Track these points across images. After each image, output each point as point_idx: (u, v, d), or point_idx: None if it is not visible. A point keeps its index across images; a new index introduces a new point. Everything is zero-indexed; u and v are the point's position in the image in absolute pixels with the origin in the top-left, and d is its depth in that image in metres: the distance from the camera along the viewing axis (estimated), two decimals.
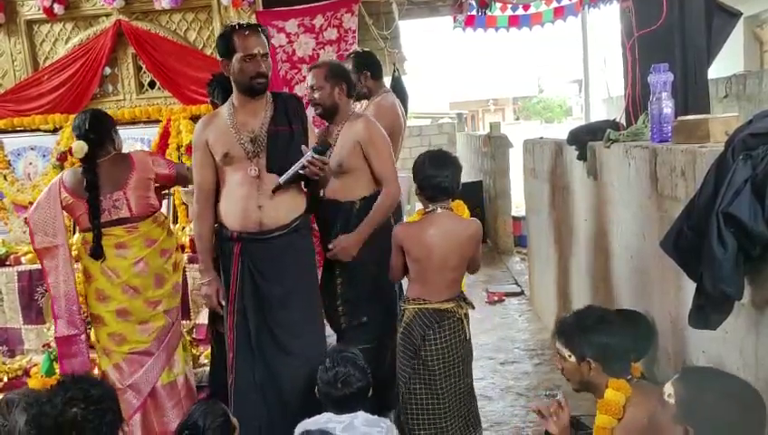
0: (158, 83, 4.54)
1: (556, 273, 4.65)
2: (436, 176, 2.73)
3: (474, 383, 2.95)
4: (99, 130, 3.15)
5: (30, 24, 4.55)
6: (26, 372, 3.86)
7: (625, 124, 3.47)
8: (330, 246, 3.13)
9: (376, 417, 2.43)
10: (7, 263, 4.17)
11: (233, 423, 2.31)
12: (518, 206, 8.18)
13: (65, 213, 3.23)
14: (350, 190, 3.13)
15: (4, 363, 3.94)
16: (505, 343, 4.74)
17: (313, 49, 4.54)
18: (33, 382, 3.70)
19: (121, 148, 3.28)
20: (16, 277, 4.11)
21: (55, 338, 3.28)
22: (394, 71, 4.96)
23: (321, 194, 3.11)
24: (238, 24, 2.84)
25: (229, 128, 2.82)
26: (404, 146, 4.33)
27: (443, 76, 25.45)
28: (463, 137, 12.51)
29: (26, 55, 4.57)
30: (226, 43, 2.77)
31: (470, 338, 2.86)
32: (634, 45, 3.35)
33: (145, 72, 4.57)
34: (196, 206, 3.00)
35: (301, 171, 2.75)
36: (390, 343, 3.02)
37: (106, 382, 1.81)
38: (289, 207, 2.85)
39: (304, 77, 4.56)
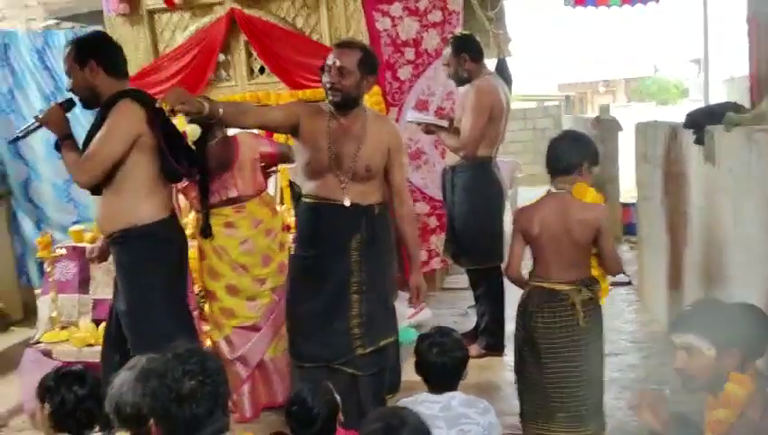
0: (267, 69, 4.69)
1: (668, 263, 4.44)
2: (553, 148, 2.73)
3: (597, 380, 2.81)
4: None
5: (151, 13, 4.81)
6: None
7: (749, 106, 3.24)
8: (411, 299, 2.96)
9: (473, 397, 2.42)
10: None
11: (337, 401, 2.37)
12: (628, 192, 7.86)
13: (181, 196, 3.43)
14: (370, 195, 2.81)
15: None
16: (611, 334, 4.56)
17: (417, 32, 4.54)
18: None
19: (227, 131, 3.42)
20: None
21: None
22: (499, 52, 4.88)
23: (346, 202, 2.75)
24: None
25: None
26: (507, 129, 4.25)
27: (550, 57, 24.72)
28: (570, 120, 12.11)
29: (148, 43, 4.83)
30: None
31: (591, 326, 2.74)
32: (760, 21, 3.12)
33: (255, 59, 4.73)
34: None
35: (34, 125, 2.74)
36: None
37: (215, 355, 1.91)
38: (107, 216, 2.76)
39: (408, 60, 4.58)
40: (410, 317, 4.57)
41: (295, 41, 4.48)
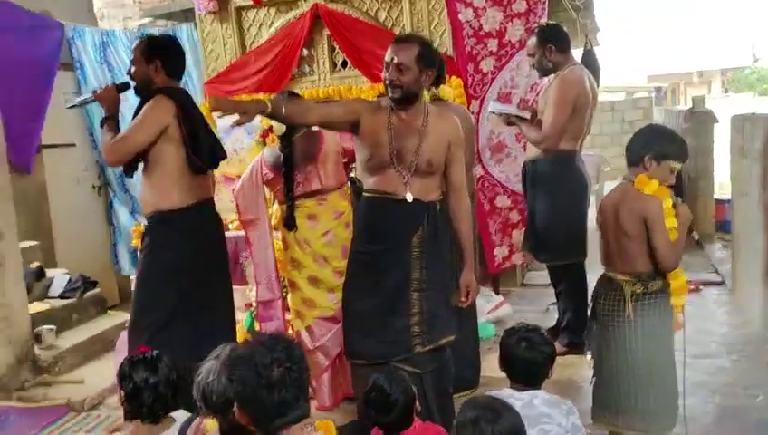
0: (349, 63, 4.74)
1: (764, 263, 4.20)
2: (629, 140, 2.79)
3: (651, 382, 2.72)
4: None
5: (239, 10, 4.95)
6: None
7: None
8: (462, 299, 2.87)
9: (557, 397, 2.38)
10: None
11: (413, 391, 2.38)
12: (722, 188, 7.48)
13: (266, 188, 3.53)
14: (432, 190, 2.78)
15: None
16: (700, 336, 4.37)
17: (501, 23, 4.46)
18: (238, 336, 4.09)
19: None
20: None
21: (256, 301, 3.62)
22: (586, 42, 4.74)
23: (409, 197, 2.72)
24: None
25: None
26: (593, 122, 4.13)
27: (640, 47, 23.76)
28: (661, 112, 11.62)
29: (235, 39, 4.98)
30: None
31: (645, 322, 2.68)
32: None
33: (338, 53, 4.78)
34: None
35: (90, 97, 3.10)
36: None
37: (296, 342, 1.95)
38: (143, 200, 3.11)
39: (491, 51, 4.51)
40: (489, 313, 4.53)
41: (377, 34, 4.50)
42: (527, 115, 4.00)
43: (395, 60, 2.67)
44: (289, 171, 3.39)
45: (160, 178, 3.00)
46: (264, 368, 1.66)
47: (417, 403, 2.38)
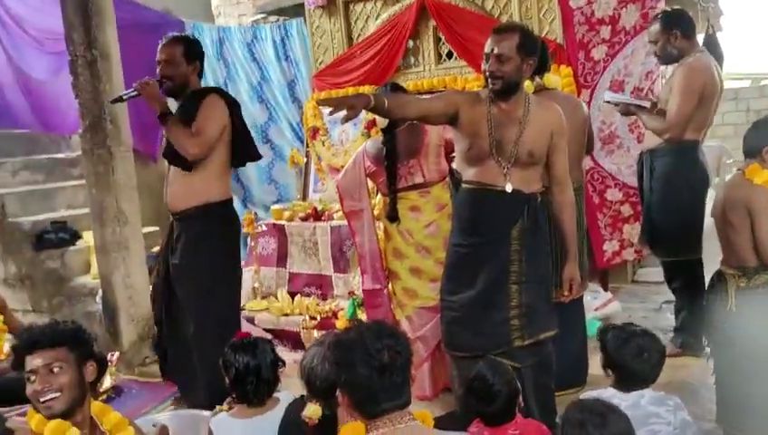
0: (454, 54, 4.70)
1: None
2: (749, 131, 2.71)
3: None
4: None
5: (347, 4, 5.04)
6: (335, 315, 4.38)
7: None
8: (565, 293, 2.84)
9: (663, 394, 2.26)
10: (323, 218, 4.76)
11: (517, 384, 2.35)
12: None
13: (368, 179, 3.57)
14: (533, 182, 2.73)
15: (318, 305, 4.52)
16: None
17: (614, 9, 4.27)
18: (340, 323, 4.19)
19: None
20: (329, 231, 4.64)
21: (362, 290, 3.70)
22: (708, 27, 4.45)
23: (508, 188, 2.69)
24: None
25: None
26: (716, 111, 3.88)
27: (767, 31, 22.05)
28: None
29: (343, 33, 5.07)
30: None
31: (747, 320, 2.54)
32: None
33: (443, 44, 4.76)
34: None
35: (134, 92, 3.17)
36: None
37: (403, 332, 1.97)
38: (184, 195, 3.26)
39: (603, 39, 4.33)
40: (597, 309, 4.38)
41: (484, 24, 4.43)
42: (647, 104, 3.81)
43: (495, 50, 2.63)
44: (391, 165, 3.40)
45: (211, 172, 3.24)
46: (377, 352, 1.69)
47: (521, 398, 2.35)
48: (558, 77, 3.93)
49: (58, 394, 2.02)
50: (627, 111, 3.87)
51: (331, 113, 3.07)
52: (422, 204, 3.42)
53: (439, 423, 2.10)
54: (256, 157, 3.51)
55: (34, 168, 5.84)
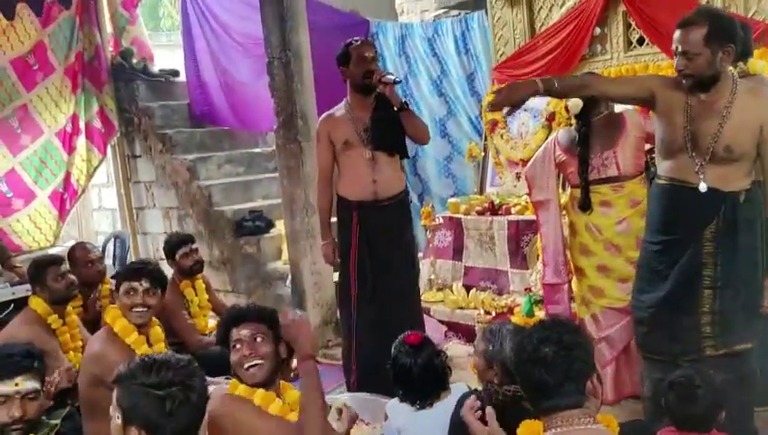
0: (646, 40, 4.42)
1: None
2: None
3: None
4: None
5: None
6: (510, 310, 4.32)
7: None
8: (764, 304, 2.54)
9: None
10: (500, 212, 4.71)
11: (723, 397, 2.20)
12: None
13: (558, 170, 3.47)
14: (735, 180, 2.49)
15: (493, 300, 4.50)
16: None
17: None
18: (516, 320, 4.13)
19: (614, 107, 3.32)
20: (506, 226, 4.59)
21: (542, 284, 3.63)
22: None
23: (702, 187, 2.49)
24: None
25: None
26: None
27: None
28: None
29: (525, 23, 4.97)
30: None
31: None
32: None
33: (633, 29, 4.50)
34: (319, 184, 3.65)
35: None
36: None
37: (582, 331, 1.89)
38: (398, 181, 3.53)
39: None
40: None
41: (680, 6, 4.10)
42: None
43: (679, 48, 2.45)
44: (584, 152, 3.27)
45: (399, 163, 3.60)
46: (540, 342, 1.67)
47: (723, 414, 2.17)
48: (765, 62, 3.54)
49: (261, 361, 2.21)
50: None
51: (507, 114, 3.01)
52: (614, 199, 3.25)
53: (622, 429, 2.00)
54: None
55: (236, 161, 6.42)
